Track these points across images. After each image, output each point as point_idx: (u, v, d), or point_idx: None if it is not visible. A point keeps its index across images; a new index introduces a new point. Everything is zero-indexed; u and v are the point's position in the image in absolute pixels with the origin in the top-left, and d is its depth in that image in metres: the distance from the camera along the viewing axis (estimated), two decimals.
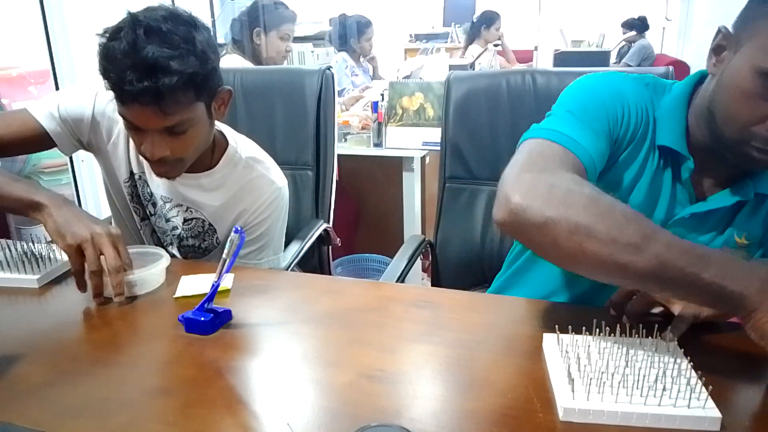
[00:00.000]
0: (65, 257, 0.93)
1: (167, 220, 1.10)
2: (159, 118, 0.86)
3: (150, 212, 1.11)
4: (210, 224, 1.08)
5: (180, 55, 0.83)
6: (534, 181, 0.63)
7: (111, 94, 0.89)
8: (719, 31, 0.73)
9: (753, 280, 0.57)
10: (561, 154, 0.70)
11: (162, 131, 0.88)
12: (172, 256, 1.15)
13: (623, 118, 0.78)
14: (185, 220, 1.08)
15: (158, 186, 1.07)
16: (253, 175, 1.07)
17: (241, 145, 1.09)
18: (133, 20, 0.84)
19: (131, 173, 1.09)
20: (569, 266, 0.64)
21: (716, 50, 0.74)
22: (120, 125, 1.04)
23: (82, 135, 1.07)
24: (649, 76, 0.85)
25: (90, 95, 1.05)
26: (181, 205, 1.07)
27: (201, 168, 1.04)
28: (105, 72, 0.84)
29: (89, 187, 2.17)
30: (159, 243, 1.17)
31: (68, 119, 1.04)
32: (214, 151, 1.05)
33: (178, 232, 1.10)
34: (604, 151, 0.75)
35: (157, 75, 0.81)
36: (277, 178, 1.10)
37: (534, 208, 0.60)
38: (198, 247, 1.11)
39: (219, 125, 1.09)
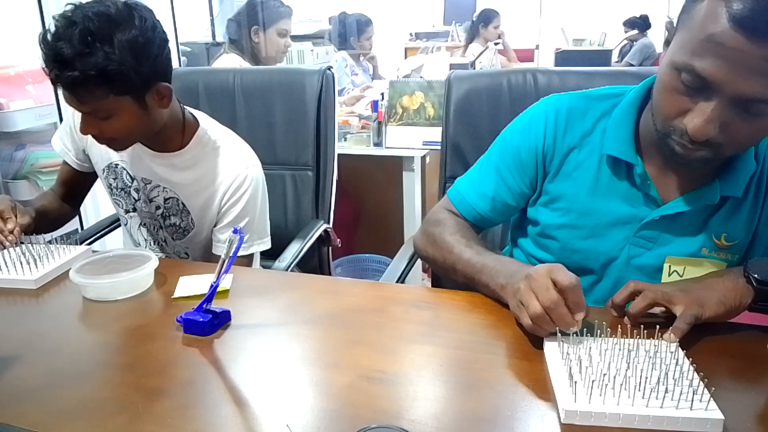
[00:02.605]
0: (63, 258, 0.94)
1: (150, 201, 1.13)
2: (76, 103, 0.93)
3: (134, 198, 1.15)
4: (183, 204, 1.11)
5: (87, 53, 0.87)
6: (425, 232, 0.95)
7: None
8: (666, 25, 0.75)
9: (499, 277, 0.77)
10: (450, 212, 0.96)
11: (87, 113, 0.95)
12: (163, 241, 1.19)
13: (543, 146, 0.87)
14: (165, 200, 1.12)
15: (139, 168, 1.11)
16: (221, 157, 1.09)
17: (212, 128, 1.12)
18: (64, 13, 0.90)
19: (109, 164, 1.14)
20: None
21: (665, 44, 0.75)
22: None
23: (83, 147, 1.17)
24: (614, 88, 0.87)
25: (69, 116, 1.15)
26: (159, 185, 1.11)
27: (173, 148, 1.09)
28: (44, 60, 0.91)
29: None
30: (149, 233, 1.19)
31: (71, 142, 1.17)
32: (184, 133, 1.09)
33: (160, 211, 1.14)
34: (513, 187, 0.91)
35: (62, 68, 0.87)
36: (246, 160, 1.12)
37: (420, 246, 0.96)
38: (178, 226, 1.14)
39: (195, 112, 1.13)
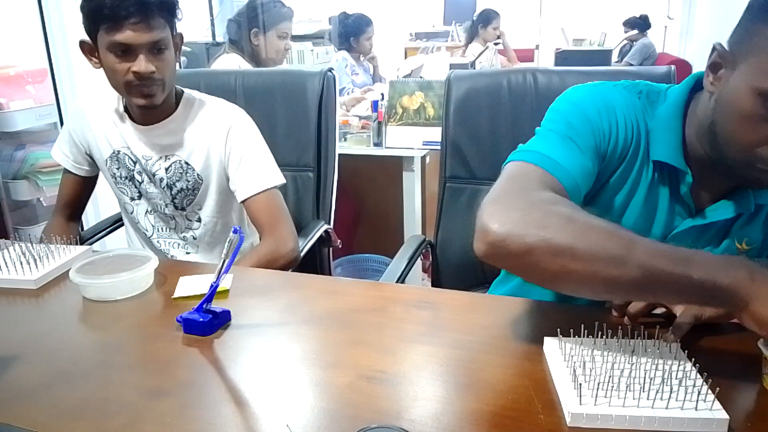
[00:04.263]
0: (63, 258, 0.94)
1: (153, 176, 1.18)
2: (148, 32, 1.02)
3: (138, 181, 1.21)
4: (186, 162, 1.17)
5: None
6: (510, 207, 0.63)
7: (77, 108, 1.22)
8: (714, 48, 0.70)
9: (740, 270, 0.57)
10: (539, 177, 0.69)
11: (150, 49, 1.04)
12: (171, 218, 1.23)
13: (612, 135, 0.76)
14: (166, 169, 1.18)
15: (139, 147, 1.18)
16: (209, 108, 1.19)
17: (194, 92, 1.22)
18: None
19: (111, 153, 1.20)
20: (554, 287, 0.64)
21: (713, 68, 0.70)
22: (93, 117, 1.20)
23: (83, 149, 1.23)
24: (642, 83, 0.81)
25: (66, 122, 1.25)
26: (161, 157, 1.18)
27: (166, 115, 1.16)
28: (98, 9, 1.00)
29: None
30: (158, 217, 1.24)
31: (69, 147, 1.24)
32: (175, 102, 1.18)
33: (164, 182, 1.19)
34: (591, 169, 0.74)
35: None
36: (231, 106, 1.21)
37: (513, 236, 0.60)
38: (186, 189, 1.19)
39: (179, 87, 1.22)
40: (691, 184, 0.76)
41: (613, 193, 0.79)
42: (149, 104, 1.09)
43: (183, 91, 1.20)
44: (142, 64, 1.03)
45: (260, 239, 1.16)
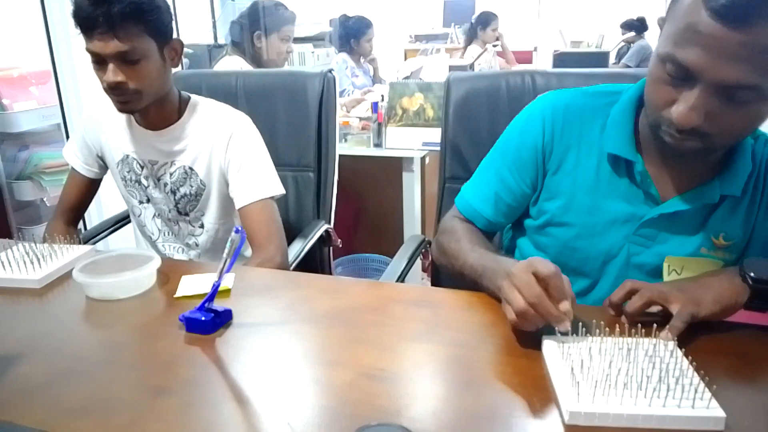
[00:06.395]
0: (67, 258, 0.95)
1: (158, 180, 1.21)
2: (114, 42, 1.00)
3: (145, 185, 1.22)
4: (190, 167, 1.19)
5: None
6: (441, 237, 0.96)
7: (91, 110, 1.24)
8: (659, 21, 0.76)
9: (497, 278, 0.75)
10: (459, 219, 0.97)
11: (119, 59, 1.02)
12: (175, 224, 1.24)
13: (543, 142, 0.87)
14: (171, 174, 1.20)
15: (146, 153, 1.19)
16: (213, 114, 1.19)
17: (201, 98, 1.22)
18: None
19: (123, 157, 1.21)
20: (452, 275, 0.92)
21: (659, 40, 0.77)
22: (106, 120, 1.21)
23: (95, 151, 1.25)
24: (609, 88, 0.88)
25: (78, 124, 1.26)
26: (166, 162, 1.19)
27: (172, 122, 1.17)
28: (75, 15, 1.01)
29: None
30: (163, 222, 1.25)
31: (80, 149, 1.25)
32: (180, 108, 1.18)
33: (169, 187, 1.20)
34: (514, 187, 0.92)
35: (108, 3, 0.98)
36: (235, 112, 1.21)
37: (435, 255, 0.99)
38: (189, 194, 1.21)
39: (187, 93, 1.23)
40: (643, 171, 0.81)
41: (569, 181, 0.87)
42: (125, 110, 1.11)
43: (189, 98, 1.20)
44: (110, 74, 1.02)
45: (251, 251, 1.16)
